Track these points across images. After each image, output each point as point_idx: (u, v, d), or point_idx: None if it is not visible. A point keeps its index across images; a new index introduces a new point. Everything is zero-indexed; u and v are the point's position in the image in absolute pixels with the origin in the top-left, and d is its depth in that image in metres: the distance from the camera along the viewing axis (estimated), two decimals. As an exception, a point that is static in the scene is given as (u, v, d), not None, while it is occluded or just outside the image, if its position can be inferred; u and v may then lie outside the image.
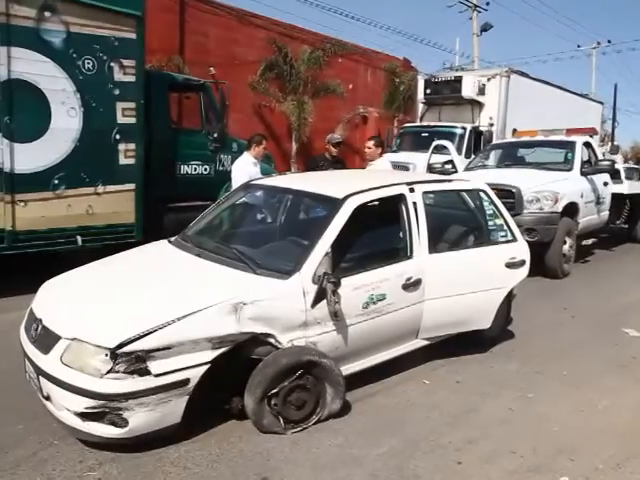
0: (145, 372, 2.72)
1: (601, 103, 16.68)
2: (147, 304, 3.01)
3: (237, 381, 3.07)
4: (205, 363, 2.85)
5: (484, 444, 3.14)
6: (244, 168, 6.15)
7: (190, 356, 2.82)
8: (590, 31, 73.89)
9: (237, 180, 5.90)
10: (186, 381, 2.81)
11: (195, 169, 7.43)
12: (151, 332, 2.74)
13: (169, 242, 4.13)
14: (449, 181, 4.61)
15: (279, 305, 3.14)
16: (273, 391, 3.02)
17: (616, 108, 16.01)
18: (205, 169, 7.53)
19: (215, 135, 7.56)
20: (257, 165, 6.35)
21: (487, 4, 22.58)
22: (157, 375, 2.74)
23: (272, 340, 3.13)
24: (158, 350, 2.74)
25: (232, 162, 6.88)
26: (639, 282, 7.46)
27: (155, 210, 6.59)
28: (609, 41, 30.96)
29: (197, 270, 3.49)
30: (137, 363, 2.70)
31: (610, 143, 15.32)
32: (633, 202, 10.26)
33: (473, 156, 10.02)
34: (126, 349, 2.69)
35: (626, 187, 9.69)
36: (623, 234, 10.72)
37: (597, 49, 30.76)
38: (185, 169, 7.31)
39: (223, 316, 2.93)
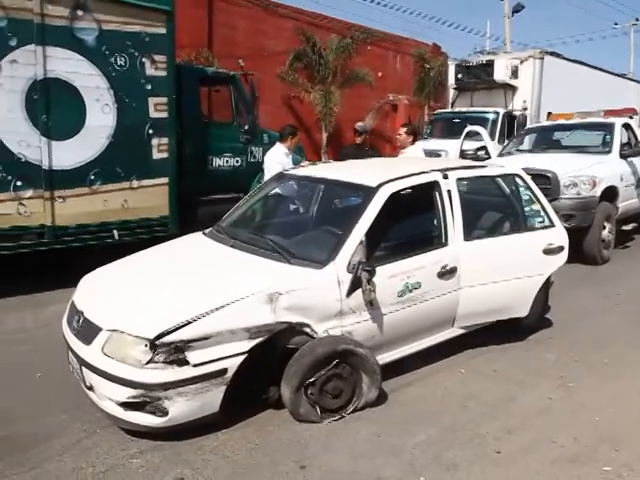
0: (184, 362, 2.77)
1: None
2: (184, 295, 3.06)
3: (274, 371, 3.10)
4: (242, 353, 2.88)
5: (523, 434, 3.10)
6: (277, 159, 6.16)
7: (227, 346, 2.86)
8: (627, 8, 71.24)
9: (270, 171, 5.91)
10: (224, 371, 2.85)
11: (227, 161, 7.48)
12: (189, 323, 2.79)
13: (204, 234, 4.18)
14: (483, 167, 4.53)
15: (314, 295, 3.15)
16: (309, 380, 3.03)
17: (657, 86, 15.42)
18: (237, 161, 7.58)
19: (246, 127, 7.59)
20: (289, 156, 6.36)
21: (519, -17, 21.98)
22: (195, 365, 2.78)
23: (308, 330, 3.14)
24: (196, 340, 2.78)
25: (263, 154, 6.91)
26: (683, 267, 7.21)
27: (189, 203, 6.66)
28: (648, 17, 29.84)
29: (232, 261, 3.53)
30: (176, 353, 2.75)
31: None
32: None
33: (507, 141, 9.82)
34: (165, 340, 2.74)
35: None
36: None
37: (636, 26, 29.66)
38: (217, 162, 7.37)
39: (259, 306, 2.96)
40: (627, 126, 8.42)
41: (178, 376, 2.76)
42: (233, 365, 2.87)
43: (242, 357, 2.89)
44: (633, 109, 9.96)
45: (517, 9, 21.30)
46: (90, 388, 2.99)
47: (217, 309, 2.86)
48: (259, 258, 3.44)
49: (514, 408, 3.41)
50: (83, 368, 2.98)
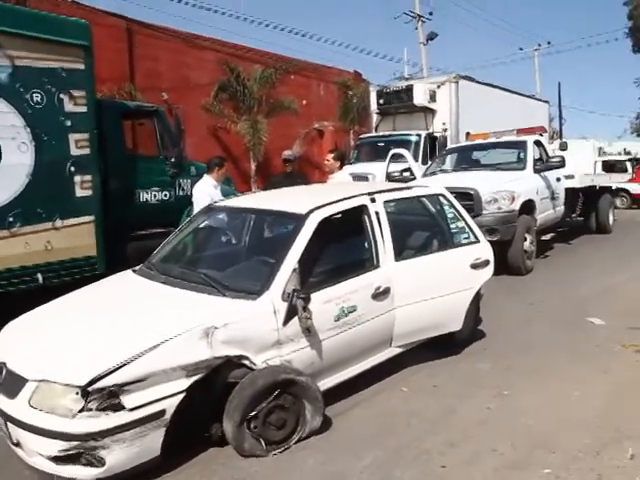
0: (119, 407, 2.66)
1: (547, 102, 17.23)
2: (116, 337, 2.95)
3: (215, 407, 3.03)
4: (180, 392, 2.81)
5: (466, 446, 3.17)
6: (205, 191, 6.11)
7: (164, 386, 2.78)
8: (531, 34, 76.75)
9: (199, 204, 5.85)
10: (162, 412, 2.76)
11: (155, 195, 7.33)
12: (122, 365, 2.69)
13: (134, 272, 4.07)
14: (409, 188, 4.68)
15: (251, 326, 3.13)
16: (252, 414, 2.99)
17: (561, 106, 16.56)
18: (165, 195, 7.44)
19: (173, 160, 7.48)
20: (217, 187, 6.32)
21: (430, 14, 23.17)
22: (132, 409, 2.68)
23: (247, 362, 3.11)
24: (131, 383, 2.68)
25: (192, 186, 6.83)
26: (598, 272, 7.68)
27: (117, 240, 6.46)
28: (549, 43, 32.28)
29: (165, 298, 3.44)
30: (110, 399, 2.64)
31: (559, 140, 15.81)
32: (585, 195, 10.61)
33: (430, 162, 10.20)
34: (97, 385, 2.63)
35: (577, 181, 10.01)
36: (579, 226, 11.06)
37: (538, 51, 31.88)
38: (144, 196, 7.21)
39: (195, 342, 2.90)
40: (538, 143, 8.98)
41: (114, 422, 2.65)
42: (171, 405, 2.79)
43: (180, 396, 2.81)
44: (542, 127, 10.63)
45: (431, 37, 22.47)
46: (17, 444, 2.82)
47: (151, 349, 2.77)
48: (192, 293, 3.38)
49: (455, 421, 3.49)
50: (8, 424, 2.80)
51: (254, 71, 15.31)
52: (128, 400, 2.68)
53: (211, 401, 3.04)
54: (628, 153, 29.13)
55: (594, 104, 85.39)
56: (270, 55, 17.17)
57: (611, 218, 11.41)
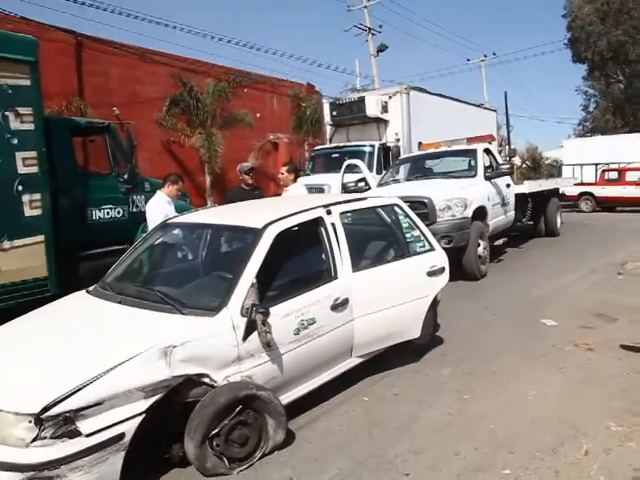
0: (75, 434, 2.58)
1: (494, 111, 17.75)
2: (70, 361, 2.87)
3: (175, 427, 2.98)
4: (139, 414, 2.75)
5: (428, 452, 3.21)
6: (158, 207, 6.02)
7: (123, 409, 2.71)
8: (478, 46, 79.21)
9: (152, 220, 5.76)
10: (121, 436, 2.70)
11: (107, 213, 7.18)
12: (77, 390, 2.61)
13: (87, 292, 3.97)
14: (364, 199, 4.73)
15: (210, 343, 3.09)
16: (214, 432, 2.95)
17: (508, 114, 17.06)
18: (118, 212, 7.30)
19: (125, 176, 7.37)
20: (171, 203, 6.24)
21: (380, 27, 23.73)
22: (89, 435, 2.61)
23: (207, 380, 3.07)
24: (87, 408, 2.61)
25: (146, 202, 6.73)
26: (549, 275, 7.94)
27: (69, 260, 6.29)
28: (494, 54, 33.39)
29: (120, 318, 3.37)
30: (65, 425, 2.56)
31: (507, 147, 16.30)
32: (534, 200, 10.97)
33: (384, 172, 10.34)
34: (52, 412, 2.54)
35: (526, 187, 10.35)
36: (529, 231, 11.41)
37: (485, 61, 32.93)
38: (97, 214, 7.05)
39: (153, 362, 2.85)
40: (487, 151, 9.25)
41: (70, 450, 2.57)
42: (130, 428, 2.72)
43: (140, 418, 2.75)
44: (491, 135, 10.97)
45: (381, 49, 22.90)
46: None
47: (107, 371, 2.71)
48: (149, 312, 3.32)
49: (417, 428, 3.53)
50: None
51: (207, 85, 15.26)
52: (85, 425, 2.60)
53: (171, 421, 2.99)
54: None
55: (539, 111, 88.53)
56: (223, 68, 17.15)
57: (559, 222, 11.84)
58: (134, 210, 7.44)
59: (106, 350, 2.91)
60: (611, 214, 17.09)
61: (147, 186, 7.64)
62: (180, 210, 6.11)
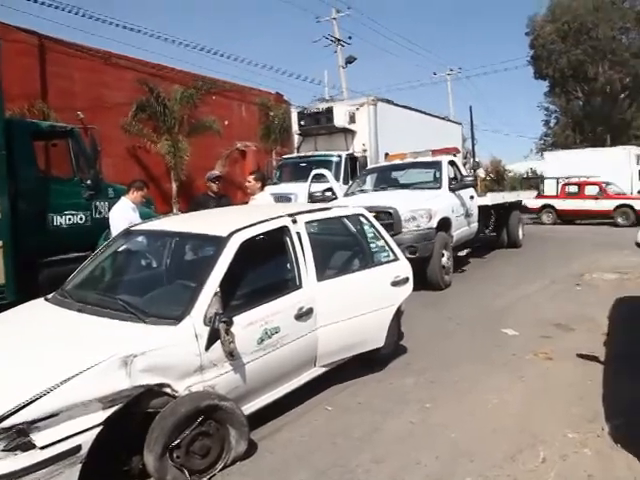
0: (29, 446, 2.51)
1: (460, 124, 18.11)
2: (25, 371, 2.79)
3: (135, 439, 2.92)
4: (97, 425, 2.69)
5: (391, 461, 3.23)
6: (122, 214, 5.93)
7: (80, 420, 2.65)
8: (444, 59, 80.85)
9: (116, 227, 5.67)
10: (77, 448, 2.63)
11: (69, 219, 7.04)
12: (32, 401, 2.54)
13: (46, 300, 3.87)
14: (329, 209, 4.76)
15: (172, 352, 3.05)
16: (174, 443, 2.90)
17: (473, 127, 17.40)
18: (80, 218, 7.17)
19: (88, 182, 7.24)
20: (136, 210, 6.16)
21: (349, 38, 23.98)
22: (44, 447, 2.53)
23: (168, 390, 3.02)
24: (42, 419, 2.54)
25: (110, 209, 6.62)
26: (510, 285, 8.10)
27: (28, 267, 6.14)
28: (460, 68, 34.24)
29: (80, 327, 3.30)
30: (19, 438, 2.49)
31: (472, 160, 16.64)
32: (497, 212, 11.20)
33: (351, 182, 10.42)
34: (4, 424, 2.47)
35: (489, 199, 10.57)
36: (492, 242, 11.63)
37: (451, 75, 33.67)
38: (58, 220, 6.90)
39: (112, 372, 2.79)
40: (452, 163, 9.42)
41: (24, 463, 2.49)
42: (88, 440, 2.66)
43: (97, 430, 2.69)
44: (456, 148, 11.19)
45: (350, 60, 23.16)
46: None
47: (64, 382, 2.64)
48: (110, 320, 3.26)
49: (380, 437, 3.54)
50: None
51: (174, 91, 15.13)
52: (39, 438, 2.53)
53: (131, 433, 2.93)
54: (534, 172, 31.15)
55: (503, 126, 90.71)
56: (191, 75, 17.03)
57: (520, 233, 12.11)
58: (97, 216, 7.32)
59: (63, 360, 2.84)
60: (571, 226, 17.57)
61: (111, 192, 7.53)
62: (145, 217, 6.05)
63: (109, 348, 2.89)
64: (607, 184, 17.93)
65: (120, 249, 4.51)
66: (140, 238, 4.63)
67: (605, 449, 3.23)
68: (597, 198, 17.57)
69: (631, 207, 16.88)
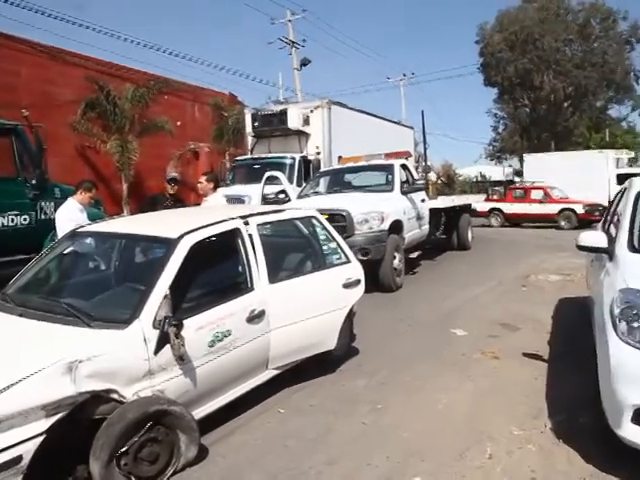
0: (-34, 458, 2.40)
1: (412, 128, 18.36)
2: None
3: (80, 447, 2.83)
4: (40, 434, 2.60)
5: (343, 462, 3.24)
6: (69, 215, 5.76)
7: (21, 429, 2.55)
8: (399, 65, 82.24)
9: (62, 229, 5.50)
10: (19, 458, 2.53)
11: (12, 220, 6.80)
12: (-30, 410, 2.43)
13: (-15, 304, 3.71)
14: (282, 211, 4.75)
15: (119, 357, 2.98)
16: (122, 450, 2.83)
17: (425, 132, 17.70)
18: (24, 219, 6.92)
19: (33, 181, 7.01)
20: (84, 211, 5.99)
21: (304, 41, 24.08)
22: (-18, 458, 2.43)
23: (115, 395, 2.95)
24: (-20, 430, 2.43)
25: (56, 209, 6.42)
26: (459, 286, 8.30)
27: (-34, 270, 5.87)
28: (412, 73, 34.88)
29: (20, 332, 3.18)
30: (-46, 449, 2.38)
31: (423, 163, 16.95)
32: (447, 215, 11.45)
33: (304, 184, 10.44)
34: (-61, 435, 2.35)
35: (440, 202, 10.80)
36: (443, 244, 11.89)
37: (403, 80, 34.25)
38: (1, 221, 6.65)
39: (56, 379, 2.70)
40: (404, 166, 9.57)
41: (-41, 476, 2.39)
42: (29, 450, 2.56)
43: (40, 439, 2.60)
44: (408, 152, 11.35)
45: (304, 62, 23.22)
46: None
47: (4, 389, 2.54)
48: (53, 325, 3.15)
49: (332, 439, 3.55)
50: None
51: (125, 90, 14.78)
52: (-23, 448, 2.42)
53: (76, 440, 2.84)
54: (483, 176, 32.07)
55: (455, 131, 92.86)
56: (142, 74, 16.69)
57: (470, 236, 12.43)
58: (43, 217, 7.10)
59: (3, 367, 2.73)
60: (518, 229, 18.14)
61: (57, 192, 7.32)
62: (93, 218, 5.88)
63: (52, 354, 2.80)
64: (551, 188, 18.59)
65: (66, 251, 4.37)
66: (88, 240, 4.50)
67: (548, 445, 3.34)
68: (542, 202, 18.21)
69: (573, 211, 17.56)
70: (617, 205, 4.82)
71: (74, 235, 4.42)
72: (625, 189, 4.66)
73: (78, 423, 2.83)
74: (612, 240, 3.89)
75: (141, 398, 3.02)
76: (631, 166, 20.73)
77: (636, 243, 3.68)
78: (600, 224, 5.89)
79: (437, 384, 4.39)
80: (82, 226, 4.65)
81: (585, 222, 15.98)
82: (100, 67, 15.50)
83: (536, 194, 18.62)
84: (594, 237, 4.02)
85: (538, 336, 5.50)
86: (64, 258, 4.40)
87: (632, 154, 21.42)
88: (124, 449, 2.83)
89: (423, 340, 5.60)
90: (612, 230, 4.30)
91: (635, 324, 2.94)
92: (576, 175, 18.51)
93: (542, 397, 4.03)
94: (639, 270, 3.35)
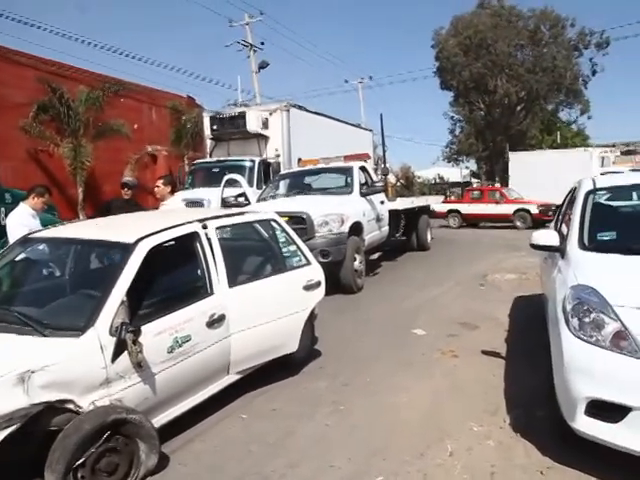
0: None
1: (371, 131, 18.57)
2: None
3: (35, 459, 2.75)
4: (-9, 448, 2.50)
5: (305, 465, 3.24)
6: (20, 221, 5.59)
7: (-29, 444, 2.46)
8: (356, 68, 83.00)
9: (13, 235, 5.33)
10: (-32, 474, 2.44)
11: (-41, 226, 6.53)
12: None
13: None
14: (241, 214, 4.72)
15: (74, 366, 2.90)
16: (78, 462, 2.75)
17: (384, 134, 17.89)
18: (-28, 226, 6.66)
19: (-19, 187, 6.76)
20: (36, 217, 5.82)
21: (262, 44, 23.97)
22: None
23: (71, 406, 2.87)
24: None
25: (7, 215, 6.21)
26: (419, 287, 8.42)
27: None
28: (370, 77, 35.31)
29: (-31, 343, 3.06)
30: None
31: (382, 166, 17.13)
32: (407, 216, 11.61)
33: (264, 187, 10.41)
34: None
35: (399, 204, 10.94)
36: (402, 245, 12.04)
37: (362, 83, 34.58)
38: (-53, 228, 6.39)
39: (8, 390, 2.61)
40: (363, 169, 9.66)
41: None
42: (-20, 464, 2.47)
43: (-9, 452, 2.51)
44: (367, 154, 11.48)
45: (262, 65, 23.21)
46: None
47: (-49, 403, 2.44)
48: (6, 335, 3.05)
49: (294, 442, 3.55)
50: None
51: (80, 92, 14.41)
52: None
53: (30, 453, 2.76)
54: (441, 178, 32.64)
55: (413, 133, 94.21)
56: (97, 75, 16.29)
57: (429, 236, 12.63)
58: (-8, 224, 6.84)
59: (-50, 379, 2.62)
60: (475, 230, 18.54)
61: (8, 197, 7.11)
62: (46, 224, 5.71)
63: (3, 365, 2.70)
64: (507, 189, 19.10)
65: (18, 258, 4.22)
66: (40, 246, 4.37)
67: (506, 440, 3.42)
68: (498, 202, 18.67)
69: (528, 211, 18.08)
70: (568, 204, 4.97)
71: (26, 241, 4.27)
72: (575, 188, 4.82)
73: (32, 435, 2.75)
74: (564, 238, 4.01)
75: (98, 407, 2.94)
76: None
77: (586, 241, 3.80)
78: (553, 223, 6.06)
79: (398, 384, 4.43)
80: (34, 232, 4.52)
81: (539, 222, 16.45)
82: (53, 68, 15.06)
83: (492, 195, 19.10)
84: (546, 236, 4.14)
85: (496, 334, 5.62)
86: (16, 265, 4.25)
87: (617, 152, 20.70)
88: (81, 461, 2.75)
89: (384, 341, 5.65)
90: (564, 229, 4.43)
91: (586, 319, 3.03)
92: (560, 174, 17.61)
93: (500, 393, 4.12)
94: (589, 267, 3.45)
